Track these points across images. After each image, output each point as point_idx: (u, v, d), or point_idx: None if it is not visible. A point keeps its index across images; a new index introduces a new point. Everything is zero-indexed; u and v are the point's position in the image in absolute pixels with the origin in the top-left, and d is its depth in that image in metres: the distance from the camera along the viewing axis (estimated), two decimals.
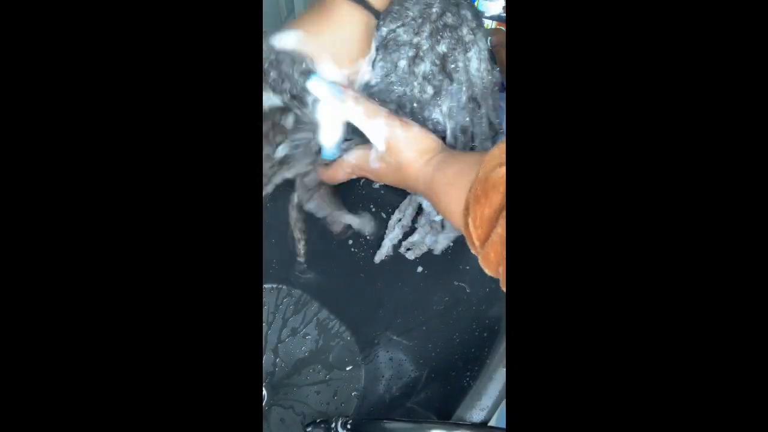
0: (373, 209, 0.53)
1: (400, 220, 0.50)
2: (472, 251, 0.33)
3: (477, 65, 0.42)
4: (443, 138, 0.43)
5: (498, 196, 0.29)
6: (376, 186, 0.52)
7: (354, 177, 0.44)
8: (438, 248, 0.50)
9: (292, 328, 0.59)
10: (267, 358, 0.57)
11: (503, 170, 0.30)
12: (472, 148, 0.44)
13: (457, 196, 0.33)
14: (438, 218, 0.48)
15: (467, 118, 0.43)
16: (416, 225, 0.50)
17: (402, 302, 0.55)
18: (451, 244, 0.49)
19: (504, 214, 0.28)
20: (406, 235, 0.51)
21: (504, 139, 0.33)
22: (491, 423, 0.36)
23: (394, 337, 0.55)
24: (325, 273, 0.60)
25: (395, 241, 0.51)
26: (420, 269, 0.52)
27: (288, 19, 1.00)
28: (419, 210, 0.49)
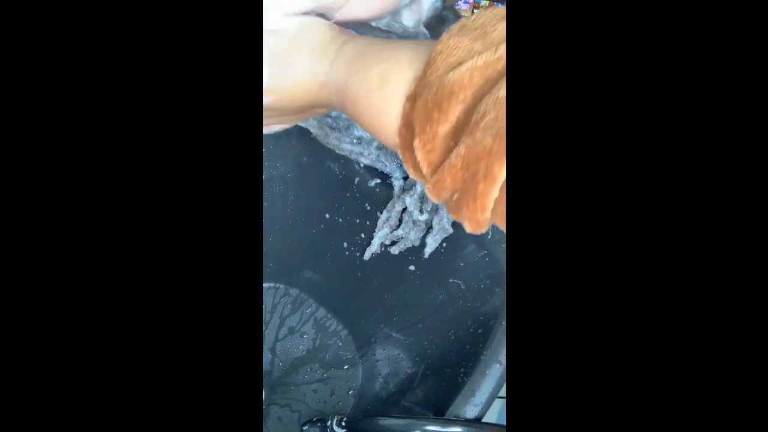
0: (368, 207, 0.53)
1: (387, 219, 0.51)
2: (413, 176, 0.26)
3: None
4: None
5: (457, 106, 0.22)
6: (372, 185, 0.52)
7: None
8: (426, 251, 0.50)
9: (290, 327, 0.59)
10: (264, 357, 0.57)
11: (465, 68, 0.22)
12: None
13: (385, 108, 0.25)
14: (422, 217, 0.48)
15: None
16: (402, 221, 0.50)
17: (398, 300, 0.55)
18: (440, 244, 0.49)
19: (468, 129, 0.22)
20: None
21: (460, 22, 0.23)
22: (485, 419, 0.36)
23: (393, 334, 0.55)
24: (321, 272, 0.60)
25: (384, 240, 0.52)
26: (412, 268, 0.52)
27: None
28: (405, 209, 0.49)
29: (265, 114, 0.31)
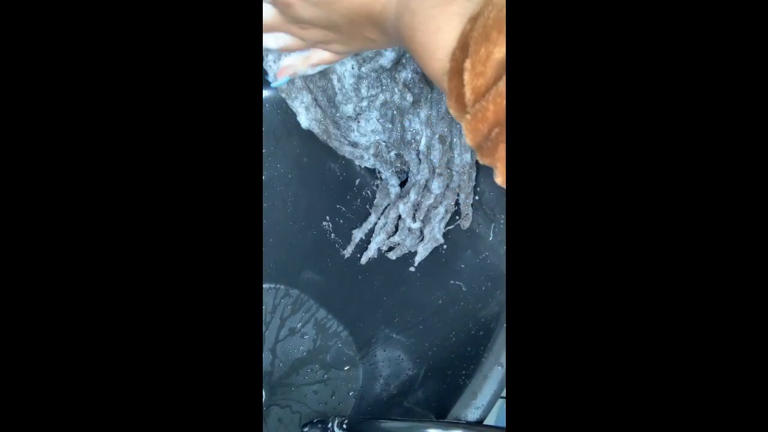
0: (370, 209, 0.53)
1: (384, 225, 0.51)
2: (452, 111, 0.25)
3: None
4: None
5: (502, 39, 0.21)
6: (373, 186, 0.52)
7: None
8: (416, 260, 0.50)
9: (290, 328, 0.59)
10: (265, 358, 0.57)
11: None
12: (448, 162, 0.44)
13: (444, 28, 0.24)
14: (415, 225, 0.48)
15: (445, 128, 0.42)
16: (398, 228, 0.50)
17: (399, 301, 0.55)
18: (440, 245, 0.49)
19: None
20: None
21: None
22: (486, 422, 0.36)
23: (394, 335, 0.55)
24: (322, 273, 0.60)
25: (380, 245, 0.52)
26: (412, 269, 0.52)
27: None
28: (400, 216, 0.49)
29: (308, 34, 0.30)
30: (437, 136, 0.42)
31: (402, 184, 0.49)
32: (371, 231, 0.53)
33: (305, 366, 0.56)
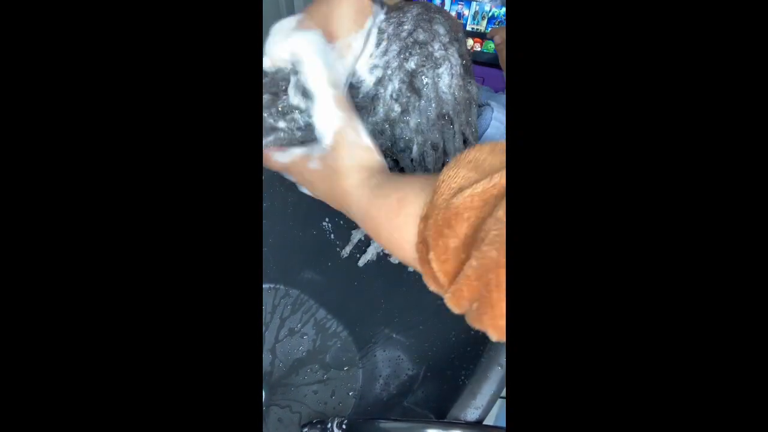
0: None
1: None
2: (432, 288, 0.29)
3: (448, 81, 0.41)
4: (398, 166, 0.42)
5: (463, 224, 0.26)
6: None
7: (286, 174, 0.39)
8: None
9: (290, 328, 0.59)
10: (265, 358, 0.57)
11: (467, 194, 0.26)
12: (443, 165, 0.43)
13: (402, 228, 0.29)
14: None
15: (437, 135, 0.42)
16: None
17: (399, 301, 0.55)
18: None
19: (476, 245, 0.25)
20: None
21: (456, 158, 0.28)
22: (486, 422, 0.36)
23: (393, 335, 0.55)
24: (322, 273, 0.60)
25: (379, 249, 0.52)
26: (412, 269, 0.52)
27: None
28: None
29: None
30: (429, 143, 0.42)
31: None
32: None
33: (305, 366, 0.56)
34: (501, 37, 0.73)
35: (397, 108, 0.40)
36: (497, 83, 0.91)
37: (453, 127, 0.42)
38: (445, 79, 0.40)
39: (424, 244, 0.28)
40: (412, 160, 0.44)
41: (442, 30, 0.41)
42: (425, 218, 0.28)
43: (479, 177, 0.27)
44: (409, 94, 0.41)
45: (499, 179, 0.26)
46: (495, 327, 0.26)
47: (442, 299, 0.51)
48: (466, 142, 0.43)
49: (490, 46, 0.93)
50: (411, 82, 0.40)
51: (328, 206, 0.56)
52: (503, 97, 0.62)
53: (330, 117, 0.35)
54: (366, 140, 0.35)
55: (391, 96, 0.40)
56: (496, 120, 0.55)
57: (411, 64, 0.40)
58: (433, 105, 0.40)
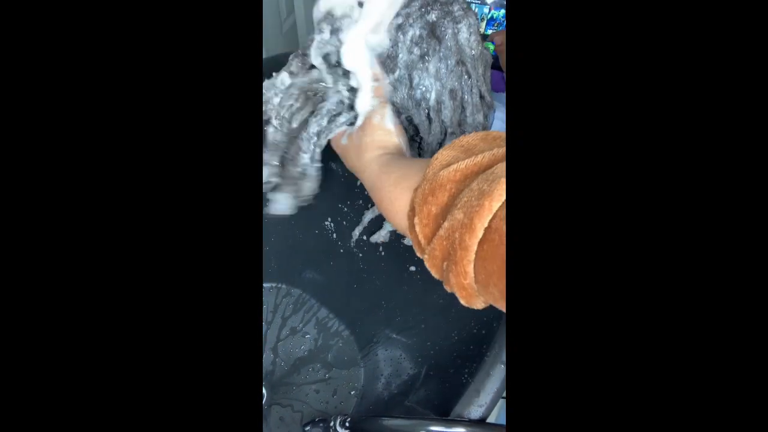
0: (371, 207, 0.53)
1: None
2: (417, 253, 0.33)
3: (467, 36, 0.42)
4: (416, 133, 0.44)
5: (445, 194, 0.30)
6: None
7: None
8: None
9: (292, 327, 0.59)
10: (266, 357, 0.57)
11: (452, 168, 0.30)
12: (460, 123, 0.44)
13: (400, 197, 0.34)
14: None
15: (456, 82, 0.42)
16: None
17: (401, 300, 0.55)
18: None
19: (453, 212, 0.28)
20: None
21: (452, 142, 0.33)
22: (489, 420, 0.36)
23: (394, 335, 0.55)
24: (324, 272, 0.60)
25: (391, 229, 0.52)
26: (413, 269, 0.52)
27: (286, 19, 1.00)
28: None
29: None
30: (447, 90, 0.42)
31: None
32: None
33: (307, 365, 0.57)
34: (501, 39, 0.74)
35: (416, 51, 0.41)
36: (498, 84, 0.91)
37: (470, 79, 0.43)
38: (464, 33, 0.41)
39: (412, 211, 0.32)
40: (428, 115, 0.44)
41: None
42: (416, 189, 0.32)
43: (465, 157, 0.31)
44: (429, 40, 0.41)
45: (481, 159, 0.29)
46: (459, 286, 0.29)
47: (444, 298, 0.51)
48: (482, 98, 0.44)
49: (491, 47, 0.94)
50: (432, 30, 0.41)
51: (329, 206, 0.56)
52: (503, 96, 0.62)
53: (366, 94, 0.42)
54: (388, 124, 0.41)
55: (411, 40, 0.41)
56: (499, 120, 0.55)
57: (432, 16, 0.41)
58: (453, 52, 0.41)
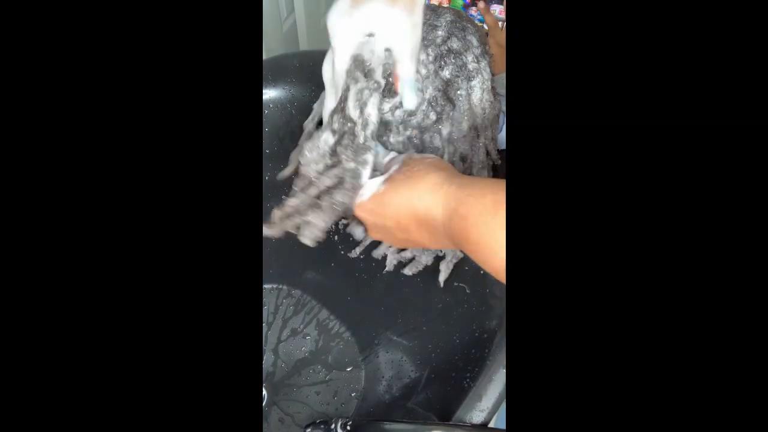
0: None
1: None
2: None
3: (479, 95, 0.41)
4: None
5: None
6: None
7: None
8: (440, 278, 0.49)
9: (292, 329, 0.59)
10: (267, 359, 0.57)
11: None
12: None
13: (499, 229, 0.27)
14: None
15: (467, 146, 0.42)
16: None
17: (402, 303, 0.55)
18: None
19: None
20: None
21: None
22: (491, 424, 0.36)
23: (395, 338, 0.55)
24: (324, 274, 0.60)
25: (395, 262, 0.51)
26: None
27: (286, 19, 1.00)
28: None
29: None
30: (458, 154, 0.42)
31: None
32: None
33: (307, 367, 0.56)
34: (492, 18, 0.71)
35: (432, 116, 0.40)
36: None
37: (479, 141, 0.42)
38: (477, 92, 0.41)
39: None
40: None
41: (474, 41, 0.40)
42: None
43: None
44: (443, 103, 0.40)
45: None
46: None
47: (445, 302, 0.51)
48: (488, 155, 0.43)
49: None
50: (446, 91, 0.40)
51: None
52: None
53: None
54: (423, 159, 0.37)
55: (429, 101, 0.40)
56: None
57: (446, 73, 0.40)
58: (466, 117, 0.41)
